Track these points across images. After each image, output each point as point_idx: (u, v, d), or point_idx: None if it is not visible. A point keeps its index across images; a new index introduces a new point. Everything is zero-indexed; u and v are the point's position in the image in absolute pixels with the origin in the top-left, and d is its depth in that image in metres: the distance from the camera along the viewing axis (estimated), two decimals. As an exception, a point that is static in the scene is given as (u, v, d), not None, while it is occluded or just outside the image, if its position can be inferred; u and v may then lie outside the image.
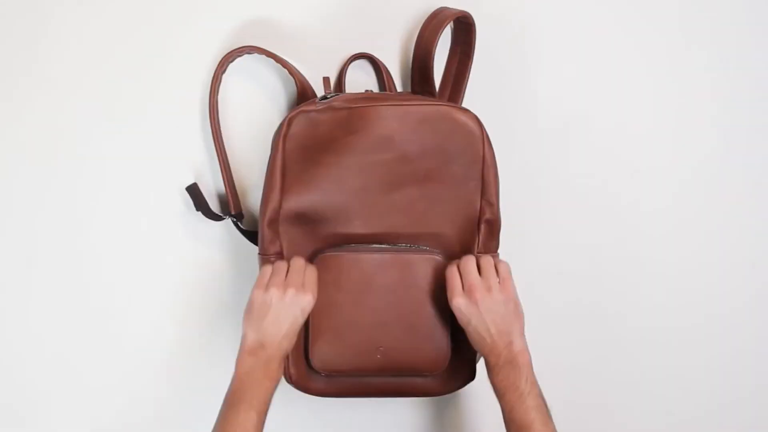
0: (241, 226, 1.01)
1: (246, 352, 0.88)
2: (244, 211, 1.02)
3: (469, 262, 0.91)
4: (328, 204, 0.94)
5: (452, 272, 0.91)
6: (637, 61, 1.08)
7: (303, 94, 0.99)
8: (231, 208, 1.00)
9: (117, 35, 1.00)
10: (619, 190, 1.09)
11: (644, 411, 1.13)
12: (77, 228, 1.02)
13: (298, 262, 0.92)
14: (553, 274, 1.09)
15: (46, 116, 1.01)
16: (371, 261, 0.95)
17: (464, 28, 1.00)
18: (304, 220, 0.94)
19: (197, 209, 1.00)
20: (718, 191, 1.11)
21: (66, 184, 1.02)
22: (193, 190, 1.00)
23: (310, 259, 0.95)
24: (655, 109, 1.09)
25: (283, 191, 0.94)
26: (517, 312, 0.91)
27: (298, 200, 0.94)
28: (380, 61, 1.02)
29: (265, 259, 0.95)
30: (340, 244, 0.95)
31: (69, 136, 1.01)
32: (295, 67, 0.99)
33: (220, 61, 0.98)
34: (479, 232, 0.96)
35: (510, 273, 0.92)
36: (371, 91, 1.01)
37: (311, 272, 0.92)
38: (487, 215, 0.96)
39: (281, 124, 0.94)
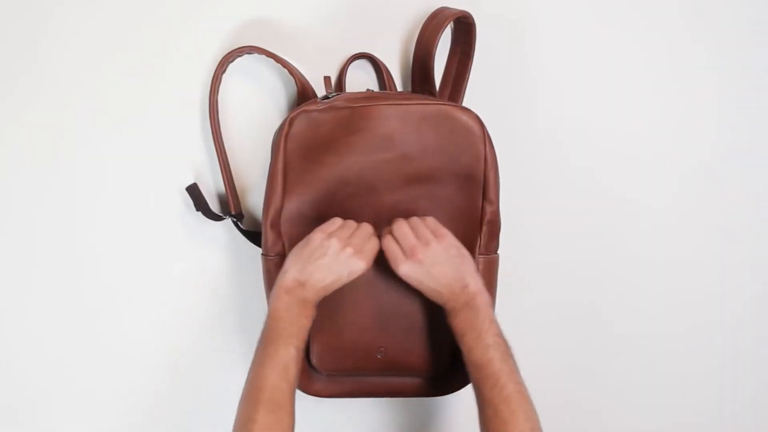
0: (242, 226, 1.01)
1: (284, 289, 0.87)
2: (244, 211, 1.02)
3: (401, 225, 0.90)
4: (330, 204, 0.94)
5: (388, 242, 0.89)
6: (638, 60, 1.08)
7: (303, 94, 0.99)
8: (231, 208, 1.00)
9: (117, 35, 1.00)
10: (619, 189, 1.09)
11: (644, 411, 1.13)
12: (77, 228, 1.02)
13: (367, 229, 0.91)
14: (553, 274, 1.09)
15: (46, 116, 1.01)
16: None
17: (464, 28, 1.00)
18: (307, 220, 0.94)
19: (197, 209, 1.00)
20: (720, 191, 1.11)
21: (66, 183, 1.02)
22: (193, 191, 1.00)
23: None
24: (655, 109, 1.09)
25: (285, 192, 0.93)
26: (461, 254, 0.90)
27: (300, 200, 0.94)
28: (380, 61, 1.02)
29: (268, 260, 0.95)
30: None
31: (69, 136, 1.01)
32: (295, 67, 0.99)
33: (220, 61, 0.98)
34: (480, 233, 0.96)
35: (437, 222, 0.91)
36: (372, 90, 1.01)
37: (374, 243, 0.90)
38: (488, 215, 0.96)
39: (282, 124, 0.94)
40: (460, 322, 0.87)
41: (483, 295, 0.88)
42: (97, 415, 1.05)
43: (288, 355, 0.84)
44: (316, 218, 0.94)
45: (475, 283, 0.89)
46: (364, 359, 0.95)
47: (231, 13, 1.01)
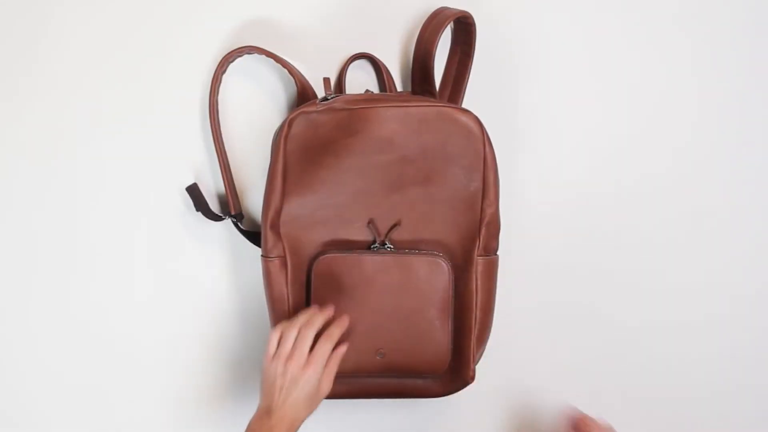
0: (241, 227, 1.01)
1: (256, 413, 0.89)
2: (243, 212, 1.02)
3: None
4: (329, 206, 0.94)
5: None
6: (638, 61, 1.08)
7: (303, 94, 0.99)
8: (231, 208, 1.00)
9: (117, 35, 1.00)
10: (619, 190, 1.09)
11: (645, 411, 1.13)
12: (76, 228, 1.02)
13: (308, 332, 0.90)
14: (553, 274, 1.09)
15: (46, 116, 1.01)
16: (372, 263, 0.95)
17: (464, 28, 1.00)
18: (305, 221, 0.94)
19: (197, 209, 1.00)
20: (721, 191, 1.11)
21: (66, 183, 1.02)
22: (193, 191, 1.00)
23: (312, 261, 0.95)
24: (656, 109, 1.09)
25: (284, 193, 0.93)
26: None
27: (299, 202, 0.94)
28: (380, 61, 1.02)
29: (268, 261, 0.95)
30: (342, 246, 0.95)
31: (69, 136, 1.01)
32: (295, 68, 0.99)
33: (220, 61, 0.98)
34: (480, 234, 0.96)
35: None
36: (371, 91, 1.00)
37: (322, 347, 0.90)
38: (488, 217, 0.95)
39: (282, 126, 0.94)
40: None
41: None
42: (96, 416, 1.05)
43: None
44: (315, 220, 0.94)
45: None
46: (363, 361, 0.95)
47: (231, 13, 1.01)
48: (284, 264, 0.95)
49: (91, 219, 1.02)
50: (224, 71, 0.99)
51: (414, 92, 1.02)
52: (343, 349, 0.91)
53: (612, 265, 1.10)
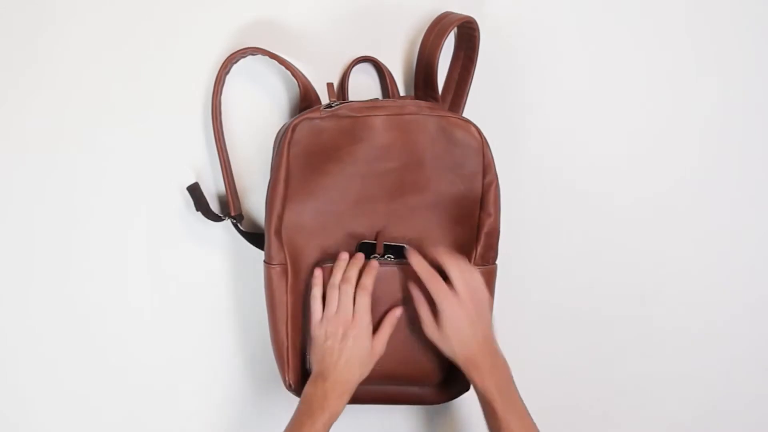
0: (241, 228, 1.01)
1: (310, 380, 0.90)
2: (244, 213, 1.02)
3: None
4: (331, 213, 0.94)
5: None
6: (642, 67, 1.08)
7: (306, 96, 0.99)
8: (231, 209, 1.00)
9: (119, 34, 1.00)
10: (620, 196, 1.10)
11: (644, 416, 1.14)
12: (77, 227, 1.02)
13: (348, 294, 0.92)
14: (553, 279, 1.10)
15: (47, 115, 1.00)
16: None
17: (468, 33, 1.00)
18: (308, 228, 0.94)
19: (197, 209, 0.99)
20: (721, 196, 1.11)
21: (66, 182, 1.01)
22: (194, 190, 1.00)
23: (311, 269, 0.95)
24: (658, 117, 1.09)
25: (286, 199, 0.93)
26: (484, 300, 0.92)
27: (301, 208, 0.94)
28: (384, 65, 1.02)
29: (271, 268, 0.94)
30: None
31: (69, 135, 1.01)
32: (298, 69, 0.99)
33: (224, 62, 0.97)
34: (478, 243, 0.96)
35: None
36: (378, 99, 1.00)
37: (363, 303, 0.91)
38: (486, 227, 0.96)
39: (285, 131, 0.94)
40: (493, 384, 0.88)
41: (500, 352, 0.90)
42: (95, 416, 1.05)
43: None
44: (315, 227, 0.94)
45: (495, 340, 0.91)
46: None
47: (234, 14, 1.01)
48: (285, 271, 0.95)
49: (91, 217, 1.02)
50: (227, 72, 0.98)
51: (417, 96, 1.02)
52: (398, 312, 0.93)
53: (613, 270, 1.11)
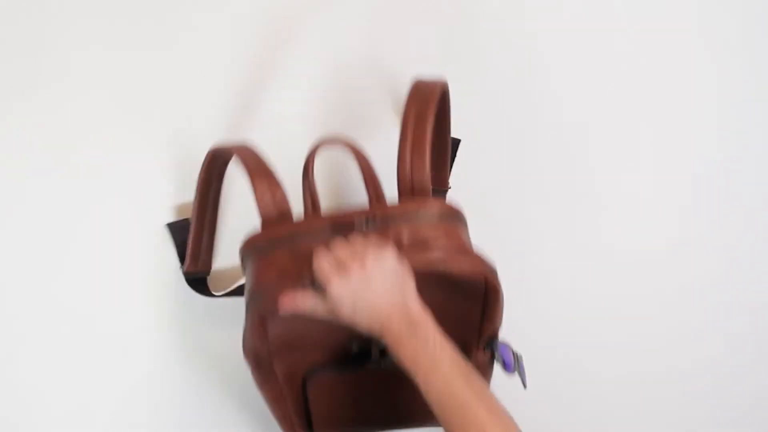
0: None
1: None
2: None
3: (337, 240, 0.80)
4: (319, 330, 0.89)
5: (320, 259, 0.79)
6: (641, 67, 1.11)
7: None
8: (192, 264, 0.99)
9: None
10: (621, 197, 1.12)
11: (644, 419, 1.12)
12: (76, 225, 1.02)
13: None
14: (553, 279, 1.10)
15: (48, 113, 1.01)
16: (367, 376, 0.93)
17: (440, 98, 0.90)
18: (292, 344, 0.91)
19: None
20: (720, 197, 1.13)
21: (66, 181, 1.01)
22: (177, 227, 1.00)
23: (304, 383, 0.92)
24: (658, 117, 1.11)
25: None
26: (400, 272, 0.79)
27: (283, 329, 0.89)
28: (357, 149, 0.88)
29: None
30: (334, 361, 0.92)
31: (70, 134, 1.01)
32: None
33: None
34: (478, 343, 0.90)
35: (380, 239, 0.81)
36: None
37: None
38: (487, 332, 0.89)
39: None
40: (408, 353, 0.76)
41: (428, 318, 0.78)
42: (94, 417, 1.04)
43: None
44: (302, 342, 0.91)
45: (416, 304, 0.78)
46: (366, 419, 0.96)
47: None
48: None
49: (89, 216, 1.02)
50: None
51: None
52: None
53: (613, 271, 1.11)
